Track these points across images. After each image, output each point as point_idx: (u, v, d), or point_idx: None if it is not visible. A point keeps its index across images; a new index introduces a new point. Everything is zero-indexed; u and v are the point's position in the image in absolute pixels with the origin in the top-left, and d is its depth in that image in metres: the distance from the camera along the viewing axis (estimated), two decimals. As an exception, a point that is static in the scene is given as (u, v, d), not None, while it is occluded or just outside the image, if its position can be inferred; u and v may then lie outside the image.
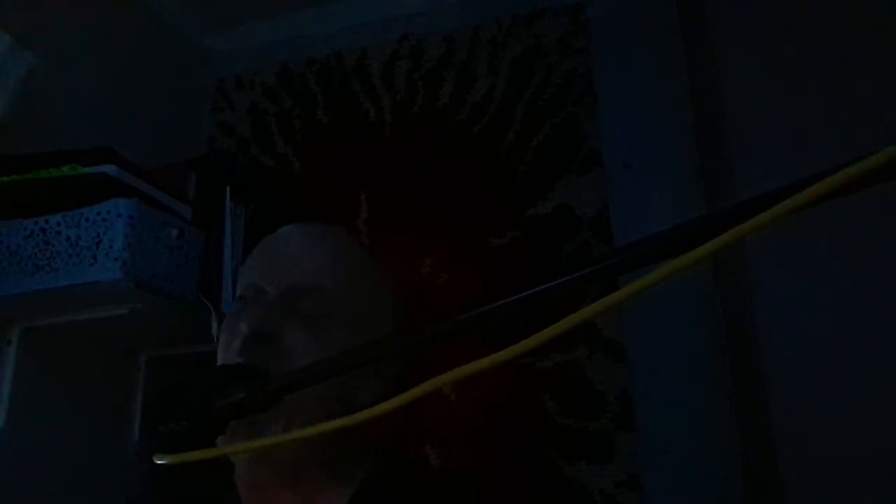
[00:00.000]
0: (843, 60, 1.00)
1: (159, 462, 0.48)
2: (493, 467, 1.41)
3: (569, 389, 1.41)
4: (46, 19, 1.36)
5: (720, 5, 1.27)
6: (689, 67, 1.54)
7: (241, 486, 0.70)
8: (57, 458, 1.27)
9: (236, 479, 0.70)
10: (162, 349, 1.47)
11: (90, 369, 1.37)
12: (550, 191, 1.54)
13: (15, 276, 1.12)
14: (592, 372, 1.41)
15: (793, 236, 0.87)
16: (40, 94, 1.31)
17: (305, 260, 0.69)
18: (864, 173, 0.29)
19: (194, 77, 1.88)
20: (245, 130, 1.83)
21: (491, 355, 0.36)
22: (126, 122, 1.53)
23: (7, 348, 1.20)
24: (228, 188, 1.37)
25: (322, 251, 0.70)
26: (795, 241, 0.93)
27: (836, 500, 0.95)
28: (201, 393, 0.53)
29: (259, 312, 0.65)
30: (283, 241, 0.72)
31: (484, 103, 1.65)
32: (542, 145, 1.58)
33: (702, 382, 1.36)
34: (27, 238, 1.12)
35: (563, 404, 1.41)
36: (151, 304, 1.17)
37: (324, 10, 1.83)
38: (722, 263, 1.34)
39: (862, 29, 0.98)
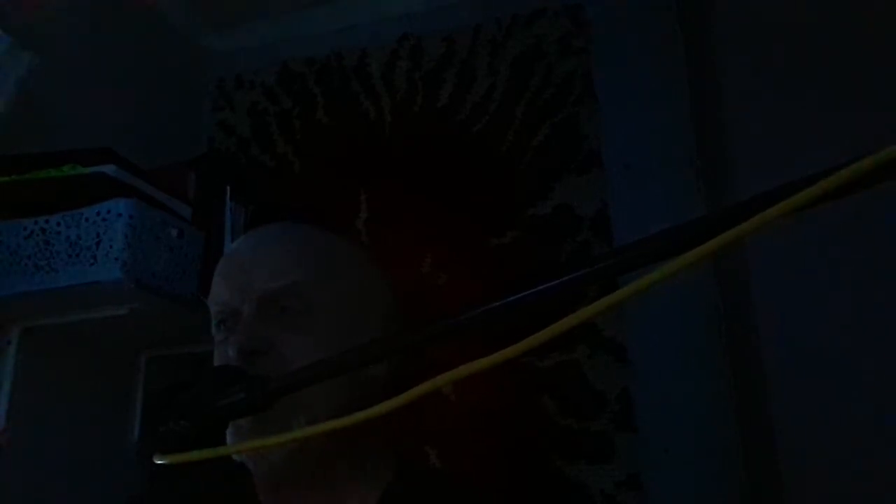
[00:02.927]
0: (842, 60, 1.00)
1: (159, 462, 0.48)
2: (494, 468, 1.41)
3: (569, 389, 1.41)
4: (46, 19, 1.36)
5: (720, 5, 1.27)
6: (689, 67, 1.54)
7: (263, 488, 0.69)
8: (57, 458, 1.27)
9: (256, 481, 0.69)
10: (162, 349, 1.47)
11: (90, 369, 1.37)
12: (550, 191, 1.54)
13: (15, 276, 1.12)
14: (592, 372, 1.41)
15: (793, 236, 0.87)
16: (40, 94, 1.31)
17: (269, 264, 0.67)
18: (864, 173, 0.29)
19: (194, 77, 1.88)
20: (245, 130, 1.83)
21: (491, 355, 0.36)
22: (126, 122, 1.53)
23: (7, 348, 1.20)
24: (228, 188, 1.37)
25: (283, 250, 0.69)
26: (795, 241, 0.93)
27: (835, 500, 0.95)
28: (201, 393, 0.53)
29: (242, 333, 0.64)
30: (239, 254, 0.71)
31: (484, 103, 1.65)
32: (542, 145, 1.58)
33: (702, 382, 1.36)
34: (27, 238, 1.12)
35: (563, 404, 1.41)
36: (151, 304, 1.17)
37: (324, 10, 1.84)
38: (722, 263, 1.34)
39: (861, 29, 0.98)
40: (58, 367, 1.29)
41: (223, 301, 0.68)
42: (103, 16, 1.53)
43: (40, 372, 1.25)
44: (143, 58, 1.65)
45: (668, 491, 1.34)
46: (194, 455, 0.48)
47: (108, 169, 1.14)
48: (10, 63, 1.23)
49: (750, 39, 1.17)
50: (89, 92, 1.47)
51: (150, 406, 0.54)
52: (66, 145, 1.17)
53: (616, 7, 1.64)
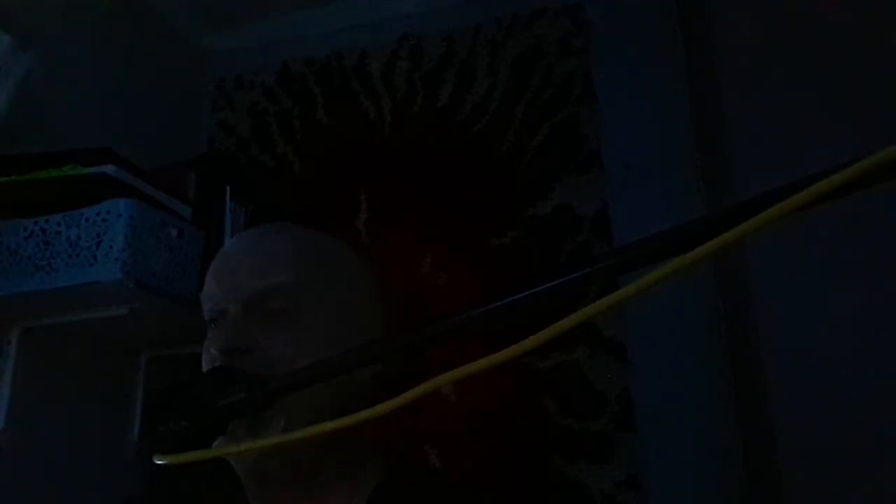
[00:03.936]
0: (843, 60, 1.00)
1: (159, 462, 0.48)
2: (493, 468, 1.41)
3: (569, 389, 1.41)
4: (46, 19, 1.36)
5: (720, 5, 1.27)
6: (689, 67, 1.54)
7: (251, 489, 0.69)
8: (57, 458, 1.27)
9: (244, 482, 0.69)
10: (162, 349, 1.47)
11: (90, 369, 1.37)
12: (550, 191, 1.54)
13: (15, 276, 1.12)
14: (592, 372, 1.41)
15: (793, 236, 0.87)
16: (40, 94, 1.31)
17: (256, 265, 0.67)
18: (864, 173, 0.29)
19: (194, 77, 1.88)
20: (245, 130, 1.83)
21: (491, 355, 0.36)
22: (126, 122, 1.53)
23: (7, 348, 1.20)
24: (228, 188, 1.37)
25: (270, 251, 0.69)
26: (795, 241, 0.93)
27: (835, 499, 0.95)
28: (201, 393, 0.53)
29: (226, 332, 0.64)
30: (230, 254, 0.71)
31: (484, 103, 1.65)
32: (542, 145, 1.58)
33: (702, 382, 1.36)
34: (27, 238, 1.12)
35: (563, 404, 1.41)
36: (151, 304, 1.17)
37: (324, 10, 1.83)
38: (722, 263, 1.34)
39: (862, 29, 0.98)
40: (58, 367, 1.29)
41: (213, 300, 0.68)
42: (103, 16, 1.53)
43: (40, 372, 1.25)
44: (143, 58, 1.65)
45: (668, 491, 1.34)
46: (194, 455, 0.48)
47: (108, 169, 1.14)
48: (10, 63, 1.23)
49: (750, 39, 1.17)
50: (89, 92, 1.47)
51: (150, 406, 0.54)
52: (66, 145, 1.17)
53: (616, 7, 1.63)
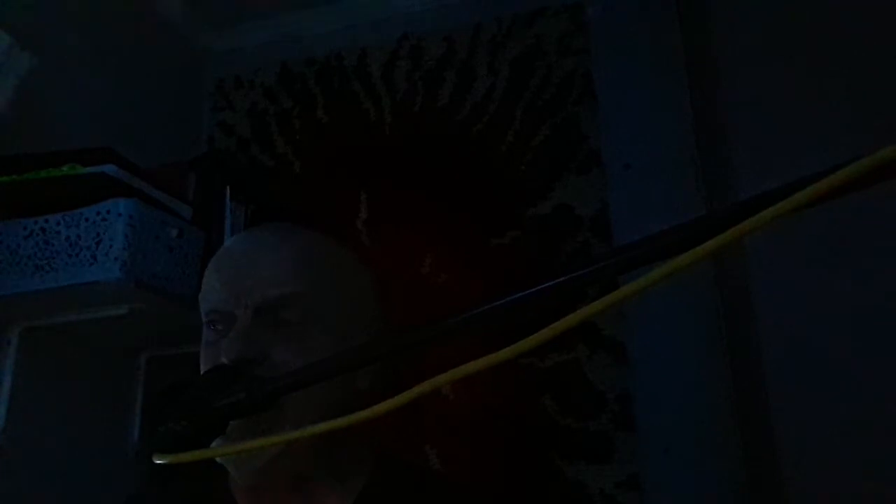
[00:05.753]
0: (843, 59, 1.00)
1: (159, 462, 0.48)
2: (493, 467, 1.41)
3: (569, 389, 1.41)
4: (46, 19, 1.36)
5: (720, 4, 1.28)
6: (689, 67, 1.54)
7: (239, 491, 0.70)
8: (57, 458, 1.27)
9: (232, 484, 0.69)
10: (162, 349, 1.47)
11: (90, 369, 1.37)
12: (550, 191, 1.54)
13: (15, 276, 1.12)
14: (592, 372, 1.41)
15: (793, 236, 0.87)
16: (40, 94, 1.31)
17: (267, 272, 0.66)
18: (864, 173, 0.29)
19: (194, 77, 1.88)
20: (245, 130, 1.83)
21: (491, 355, 0.36)
22: (126, 122, 1.53)
23: (7, 348, 1.20)
24: (228, 188, 1.37)
25: (282, 257, 0.67)
26: (795, 242, 0.93)
27: (835, 500, 0.95)
28: (201, 393, 0.53)
29: (236, 342, 0.63)
30: (238, 255, 0.69)
31: (484, 103, 1.65)
32: (542, 145, 1.58)
33: (702, 382, 1.36)
34: (27, 238, 1.12)
35: (563, 404, 1.41)
36: (151, 304, 1.17)
37: (324, 10, 1.83)
38: (722, 263, 1.34)
39: (862, 28, 0.98)
40: (58, 367, 1.29)
41: (217, 302, 0.67)
42: (103, 16, 1.53)
43: (40, 372, 1.25)
44: (143, 58, 1.65)
45: (668, 491, 1.34)
46: (194, 455, 0.48)
47: (108, 169, 1.14)
48: (10, 63, 1.23)
49: (750, 40, 1.17)
50: (89, 92, 1.47)
51: (150, 406, 0.54)
52: (66, 145, 1.17)
53: (616, 7, 1.63)
